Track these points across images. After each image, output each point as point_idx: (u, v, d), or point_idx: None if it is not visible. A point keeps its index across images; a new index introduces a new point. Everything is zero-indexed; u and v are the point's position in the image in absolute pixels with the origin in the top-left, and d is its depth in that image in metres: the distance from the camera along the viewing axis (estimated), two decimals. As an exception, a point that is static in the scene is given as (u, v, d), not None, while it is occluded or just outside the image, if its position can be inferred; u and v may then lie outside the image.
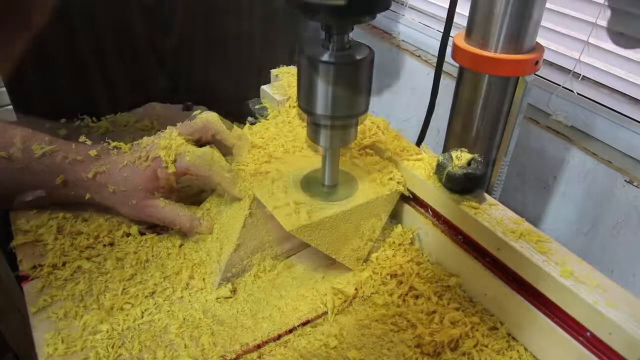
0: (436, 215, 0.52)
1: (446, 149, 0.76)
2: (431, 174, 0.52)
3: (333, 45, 0.40)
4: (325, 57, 0.39)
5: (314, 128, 0.46)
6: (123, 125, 0.50)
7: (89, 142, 0.53)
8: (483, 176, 0.49)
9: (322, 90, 0.41)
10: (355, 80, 0.41)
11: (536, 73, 0.68)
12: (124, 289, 0.48)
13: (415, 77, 1.21)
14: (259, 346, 0.43)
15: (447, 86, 0.82)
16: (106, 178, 0.51)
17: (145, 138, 0.53)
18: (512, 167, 0.91)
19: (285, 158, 0.54)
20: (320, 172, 0.51)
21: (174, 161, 0.49)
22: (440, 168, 0.50)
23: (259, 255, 0.51)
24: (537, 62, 0.63)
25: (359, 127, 0.59)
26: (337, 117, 0.43)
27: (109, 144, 0.54)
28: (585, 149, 0.86)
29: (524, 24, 0.61)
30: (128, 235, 0.55)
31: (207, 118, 0.53)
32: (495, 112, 0.68)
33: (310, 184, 0.51)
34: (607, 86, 0.85)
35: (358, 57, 0.40)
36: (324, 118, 0.43)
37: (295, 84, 0.68)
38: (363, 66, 0.41)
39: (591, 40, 0.84)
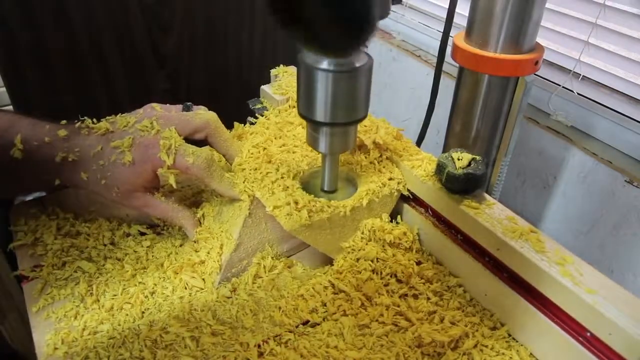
0: (436, 216, 0.52)
1: (446, 149, 0.76)
2: (431, 174, 0.52)
3: None
4: (324, 65, 0.39)
5: (313, 134, 0.46)
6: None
7: (63, 122, 0.50)
8: (483, 176, 0.49)
9: (321, 97, 0.41)
10: (354, 88, 0.41)
11: (536, 73, 0.68)
12: (124, 289, 0.48)
13: (415, 77, 1.21)
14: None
15: (447, 86, 0.82)
16: (77, 164, 0.49)
17: (119, 117, 0.51)
18: (512, 167, 0.92)
19: (286, 158, 0.54)
20: (320, 176, 0.51)
21: (174, 160, 0.49)
22: (440, 168, 0.50)
23: (259, 255, 0.51)
24: (537, 62, 0.63)
25: (359, 127, 0.59)
26: (336, 124, 0.43)
27: (82, 122, 0.50)
28: (585, 149, 0.86)
29: (524, 24, 0.61)
30: (128, 235, 0.55)
31: (207, 118, 0.52)
32: (495, 112, 0.68)
33: (309, 188, 0.51)
34: (607, 86, 0.85)
35: (357, 65, 0.40)
36: (323, 125, 0.43)
37: (294, 83, 0.68)
38: (362, 73, 0.41)
39: (591, 40, 0.84)
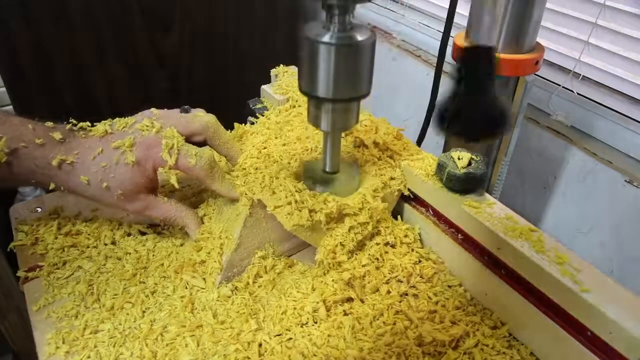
0: (437, 215, 0.52)
1: (446, 149, 0.76)
2: (431, 173, 0.52)
3: (334, 26, 0.40)
4: (326, 38, 0.39)
5: (315, 112, 0.45)
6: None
7: (50, 124, 0.48)
8: (483, 175, 0.49)
9: (324, 72, 0.40)
10: (357, 62, 0.40)
11: (536, 73, 0.68)
12: (124, 289, 0.48)
13: (415, 77, 1.21)
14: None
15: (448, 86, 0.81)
16: (77, 167, 0.47)
17: (117, 120, 0.51)
18: (512, 167, 0.92)
19: (286, 157, 0.54)
20: (322, 159, 0.50)
21: (177, 160, 0.49)
22: (440, 168, 0.50)
23: (259, 255, 0.51)
24: (537, 62, 0.63)
25: (359, 127, 0.59)
26: (338, 99, 0.42)
27: (74, 124, 0.49)
28: (585, 149, 0.86)
29: (524, 24, 0.61)
30: (129, 234, 0.55)
31: (206, 121, 0.52)
32: (495, 112, 0.68)
33: (311, 172, 0.51)
34: (607, 86, 0.85)
35: (359, 39, 0.40)
36: (325, 101, 0.43)
37: (295, 83, 0.68)
38: (364, 48, 0.40)
39: (591, 40, 0.84)
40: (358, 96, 0.43)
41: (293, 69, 0.72)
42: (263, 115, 0.64)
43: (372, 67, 0.42)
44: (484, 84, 0.42)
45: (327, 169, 0.50)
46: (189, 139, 0.51)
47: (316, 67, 0.40)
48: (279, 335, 0.44)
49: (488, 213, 0.47)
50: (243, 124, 0.62)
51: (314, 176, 0.50)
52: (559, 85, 0.90)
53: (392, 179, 0.53)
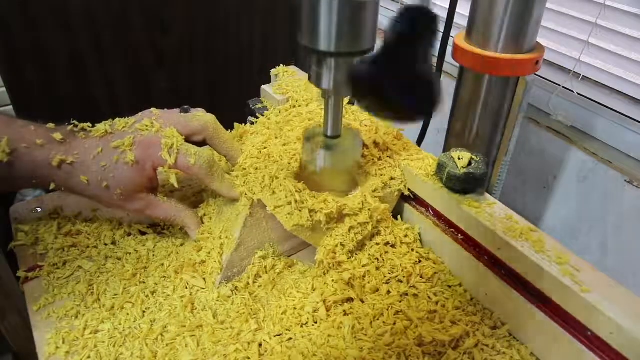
0: (437, 215, 0.52)
1: (447, 148, 0.76)
2: (431, 173, 0.52)
3: None
4: None
5: (316, 69, 0.44)
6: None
7: (51, 126, 0.48)
8: (484, 175, 0.49)
9: (325, 23, 0.39)
10: (359, 13, 0.39)
11: (536, 73, 0.68)
12: (124, 289, 0.48)
13: (415, 77, 1.21)
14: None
15: (447, 86, 0.82)
16: (77, 167, 0.47)
17: (118, 120, 0.51)
18: (512, 167, 0.92)
19: (286, 157, 0.54)
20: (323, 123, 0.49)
21: (176, 160, 0.48)
22: (440, 168, 0.50)
23: (260, 255, 0.51)
24: (537, 62, 0.63)
25: (359, 127, 0.59)
26: (340, 53, 0.41)
27: (75, 125, 0.49)
28: (585, 149, 0.86)
29: (524, 24, 0.61)
30: (129, 234, 0.55)
31: (206, 120, 0.52)
32: (495, 112, 0.68)
33: (313, 136, 0.50)
34: (607, 86, 0.85)
35: None
36: (328, 55, 0.42)
37: (295, 83, 0.68)
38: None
39: (591, 40, 0.84)
40: (360, 50, 0.42)
41: (293, 69, 0.72)
42: (263, 115, 0.64)
43: (375, 21, 0.41)
44: (419, 50, 0.37)
45: (329, 133, 0.49)
46: (188, 139, 0.51)
47: (317, 18, 0.39)
48: (279, 335, 0.44)
49: (488, 213, 0.47)
50: (243, 124, 0.62)
51: (316, 140, 0.50)
52: (559, 85, 0.90)
53: (392, 179, 0.53)
